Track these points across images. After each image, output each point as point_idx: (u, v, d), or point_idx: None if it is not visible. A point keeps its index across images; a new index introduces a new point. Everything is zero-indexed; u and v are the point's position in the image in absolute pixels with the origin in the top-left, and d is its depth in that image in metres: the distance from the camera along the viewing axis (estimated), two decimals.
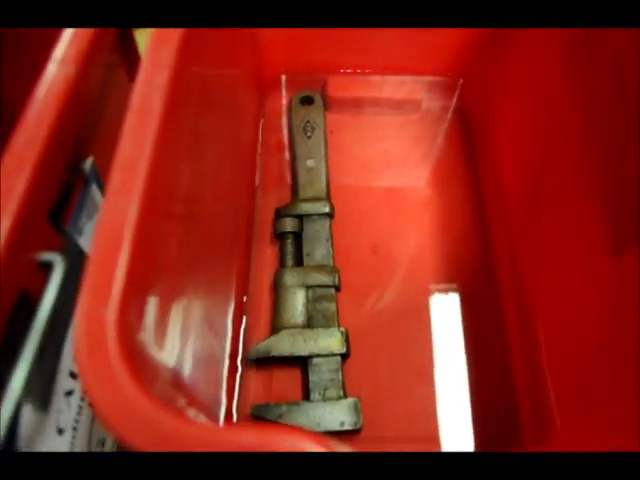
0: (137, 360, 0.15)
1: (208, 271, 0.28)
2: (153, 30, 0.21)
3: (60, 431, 0.24)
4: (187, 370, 0.22)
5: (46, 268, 0.19)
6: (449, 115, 0.47)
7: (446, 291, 0.39)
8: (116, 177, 0.17)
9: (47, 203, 0.19)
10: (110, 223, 0.16)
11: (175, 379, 0.21)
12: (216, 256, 0.29)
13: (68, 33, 0.22)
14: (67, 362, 0.23)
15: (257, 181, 0.43)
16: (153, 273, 0.18)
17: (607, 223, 0.29)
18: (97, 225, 0.16)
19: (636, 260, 0.27)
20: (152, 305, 0.18)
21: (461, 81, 0.47)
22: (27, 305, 0.18)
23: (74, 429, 0.25)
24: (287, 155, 0.44)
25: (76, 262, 0.20)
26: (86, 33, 0.22)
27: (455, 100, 0.47)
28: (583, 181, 0.31)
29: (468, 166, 0.45)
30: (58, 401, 0.24)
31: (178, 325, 0.22)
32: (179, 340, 0.22)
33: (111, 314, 0.15)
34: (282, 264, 0.39)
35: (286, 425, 0.14)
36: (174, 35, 0.21)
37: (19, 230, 0.17)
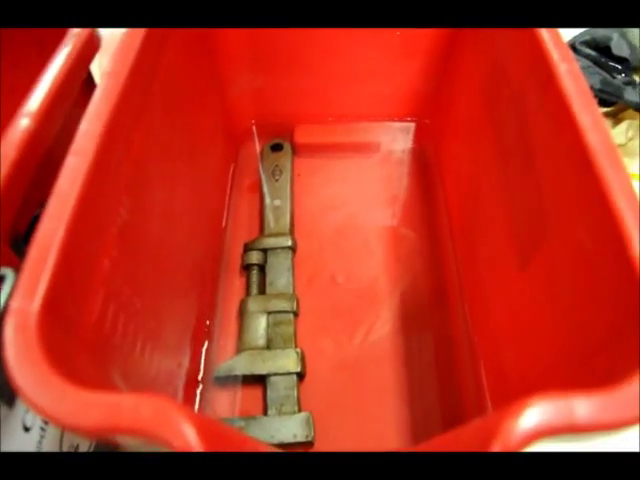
0: (56, 346, 0.19)
1: (158, 295, 0.32)
2: (98, 86, 0.26)
3: (26, 429, 0.28)
4: (126, 376, 0.26)
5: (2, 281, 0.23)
6: (407, 156, 0.51)
7: (399, 313, 0.42)
8: (51, 205, 0.22)
9: (7, 231, 0.24)
10: (42, 239, 0.21)
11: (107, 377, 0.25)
12: (169, 283, 0.33)
13: (36, 91, 0.27)
14: None
15: (228, 219, 0.47)
16: (81, 282, 0.22)
17: (515, 244, 0.33)
18: (32, 241, 0.21)
19: (534, 271, 0.30)
20: (80, 310, 0.23)
21: (414, 125, 0.51)
22: None
23: (42, 429, 0.29)
24: (257, 196, 0.49)
25: None
26: (50, 92, 0.27)
27: (411, 143, 0.51)
28: (500, 211, 0.35)
29: (425, 203, 0.49)
30: (20, 413, 0.27)
31: (117, 336, 0.26)
32: (116, 348, 0.26)
33: (35, 306, 0.19)
34: (248, 293, 0.43)
35: (164, 397, 0.17)
36: (114, 93, 0.26)
37: None
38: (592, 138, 0.24)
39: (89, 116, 0.25)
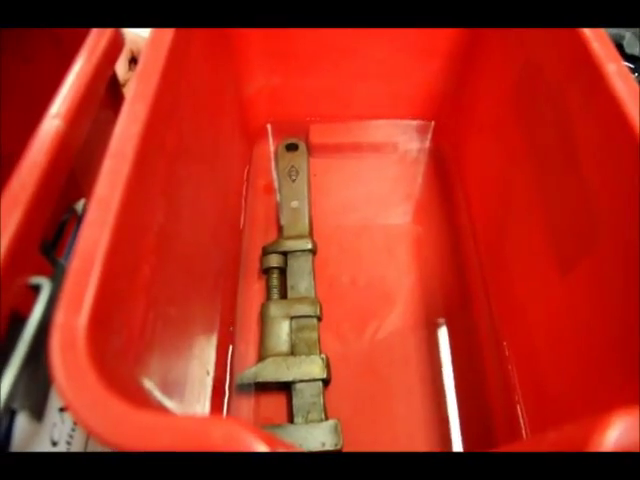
0: (104, 361, 0.18)
1: (189, 300, 0.31)
2: (130, 88, 0.25)
3: (54, 443, 0.27)
4: (163, 384, 0.25)
5: (36, 290, 0.22)
6: (424, 156, 0.50)
7: (423, 317, 0.42)
8: (91, 211, 0.20)
9: (39, 237, 0.23)
10: (85, 248, 0.19)
11: (150, 391, 0.23)
12: (197, 288, 0.32)
13: (63, 91, 0.26)
14: None
15: (245, 221, 0.46)
16: (125, 291, 0.21)
17: (554, 248, 0.32)
18: (74, 250, 0.19)
19: (577, 276, 0.29)
20: (125, 320, 0.21)
21: (433, 124, 0.50)
22: (18, 322, 0.21)
23: (68, 443, 0.28)
24: (273, 197, 0.48)
25: None
26: (77, 92, 0.26)
27: (429, 142, 0.50)
28: (535, 212, 0.34)
29: (443, 203, 0.48)
30: (52, 415, 0.26)
31: (155, 343, 0.25)
32: (155, 356, 0.25)
33: (82, 321, 0.18)
34: (268, 297, 0.42)
35: (230, 418, 0.16)
36: (148, 94, 0.25)
37: (11, 258, 0.20)
38: None
39: (125, 117, 0.23)
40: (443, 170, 0.49)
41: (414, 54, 0.45)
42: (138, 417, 0.16)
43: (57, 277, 0.23)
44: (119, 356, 0.21)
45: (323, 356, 0.39)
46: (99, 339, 0.19)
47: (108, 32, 0.29)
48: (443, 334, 0.41)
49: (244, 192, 0.47)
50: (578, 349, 0.29)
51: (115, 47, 0.30)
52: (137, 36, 0.48)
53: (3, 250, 0.20)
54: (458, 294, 0.43)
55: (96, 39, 0.29)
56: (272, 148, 0.51)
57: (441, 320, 0.42)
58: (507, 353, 0.38)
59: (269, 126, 0.51)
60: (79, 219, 0.29)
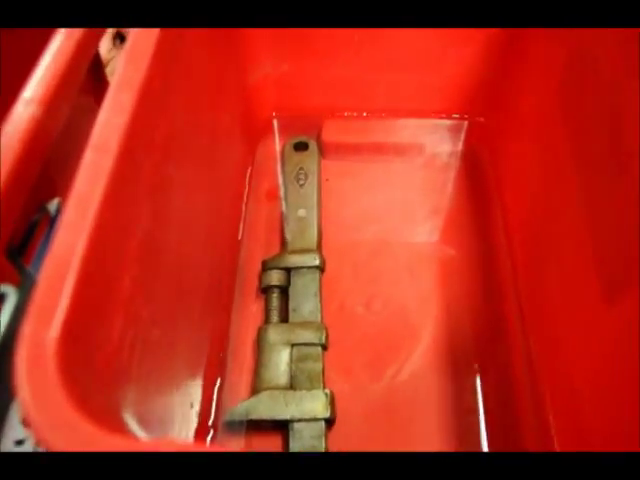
0: (76, 380, 0.19)
1: (174, 320, 0.32)
2: (117, 71, 0.26)
3: None
4: (140, 416, 0.26)
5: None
6: (456, 160, 0.51)
7: (447, 347, 0.42)
8: (69, 210, 0.22)
9: (5, 240, 0.24)
10: (59, 254, 0.21)
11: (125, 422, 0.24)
12: (185, 306, 0.33)
13: (39, 72, 0.27)
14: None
15: (244, 231, 0.47)
16: (102, 305, 0.22)
17: (600, 273, 0.32)
18: (47, 255, 0.21)
19: (626, 308, 0.30)
20: (101, 338, 0.22)
21: (465, 124, 0.51)
22: None
23: None
24: (277, 204, 0.49)
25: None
26: (56, 73, 0.27)
27: (462, 144, 0.51)
28: (581, 230, 0.35)
29: (477, 218, 0.49)
30: (8, 449, 0.27)
31: (133, 368, 0.26)
32: (132, 383, 0.26)
33: (53, 334, 0.19)
34: (267, 320, 0.43)
35: (216, 446, 0.17)
36: (136, 80, 0.26)
37: None
38: None
39: (110, 106, 0.25)
40: (478, 178, 0.50)
41: (446, 40, 0.46)
42: (111, 442, 0.17)
43: (24, 286, 0.25)
44: (93, 379, 0.22)
45: (327, 391, 0.39)
46: (71, 356, 0.20)
47: None
48: (469, 369, 0.41)
49: (244, 197, 0.49)
50: (627, 394, 0.30)
51: None
52: None
53: None
54: (490, 327, 0.43)
55: None
56: (278, 147, 0.52)
57: (468, 353, 0.42)
58: (544, 391, 0.38)
59: (275, 121, 0.52)
60: (52, 220, 0.30)
